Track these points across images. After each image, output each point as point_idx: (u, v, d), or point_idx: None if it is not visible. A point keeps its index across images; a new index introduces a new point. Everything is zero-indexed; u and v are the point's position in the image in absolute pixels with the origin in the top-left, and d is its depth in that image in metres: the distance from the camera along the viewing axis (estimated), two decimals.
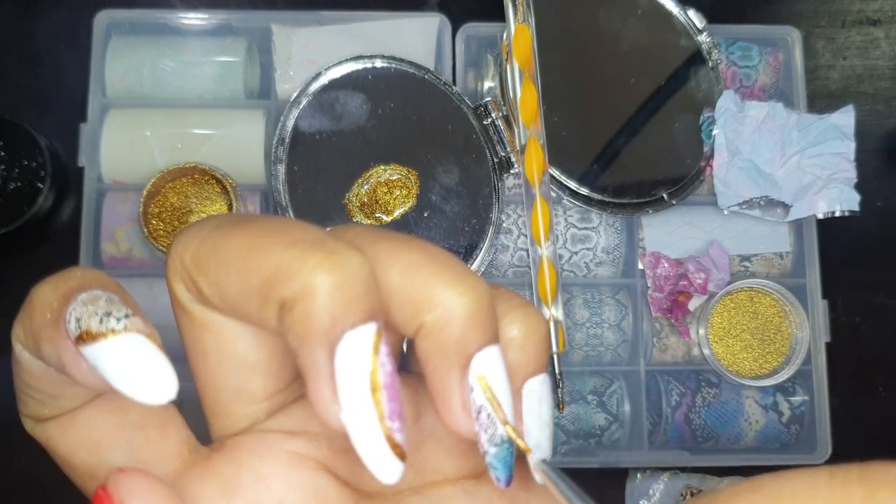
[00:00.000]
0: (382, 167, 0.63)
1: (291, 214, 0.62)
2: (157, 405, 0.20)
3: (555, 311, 0.62)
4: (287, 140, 0.62)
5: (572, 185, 0.66)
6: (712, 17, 0.69)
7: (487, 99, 0.65)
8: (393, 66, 0.65)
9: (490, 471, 0.22)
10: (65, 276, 0.21)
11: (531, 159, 0.63)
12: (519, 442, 0.22)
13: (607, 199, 0.66)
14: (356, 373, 0.19)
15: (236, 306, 0.21)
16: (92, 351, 0.20)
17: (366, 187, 0.63)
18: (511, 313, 0.23)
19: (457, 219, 0.64)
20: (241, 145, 0.66)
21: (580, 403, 0.66)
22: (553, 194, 0.65)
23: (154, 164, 0.65)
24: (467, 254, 0.63)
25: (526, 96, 0.63)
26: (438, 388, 0.21)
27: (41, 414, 0.23)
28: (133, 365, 0.20)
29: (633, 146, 0.68)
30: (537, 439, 0.23)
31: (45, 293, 0.21)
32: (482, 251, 0.64)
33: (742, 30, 0.71)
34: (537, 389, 0.23)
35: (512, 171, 0.65)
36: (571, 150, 0.66)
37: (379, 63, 0.64)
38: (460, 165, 0.64)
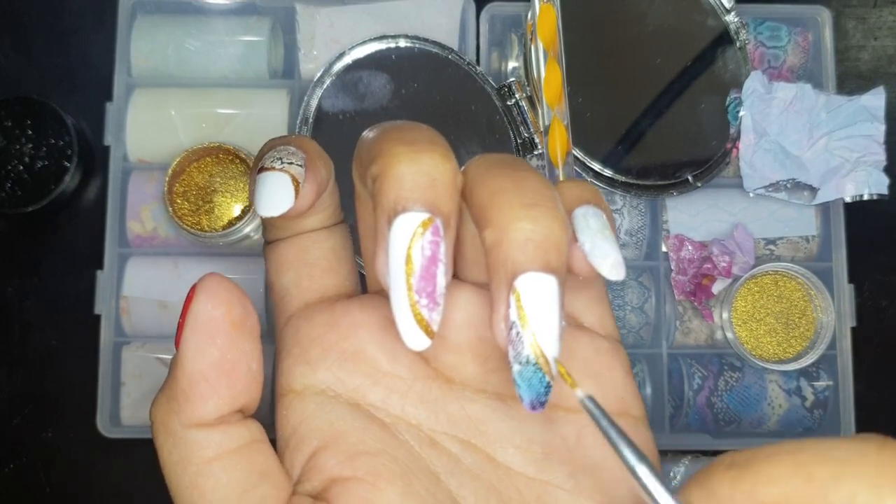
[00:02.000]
0: None
1: None
2: (269, 216, 0.26)
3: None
4: (310, 120, 0.62)
5: (596, 166, 0.65)
6: None
7: (511, 79, 0.65)
8: (416, 46, 0.64)
9: (515, 388, 0.23)
10: (300, 138, 0.29)
11: (555, 140, 0.63)
12: (549, 366, 0.23)
13: (631, 181, 0.66)
14: (399, 247, 0.23)
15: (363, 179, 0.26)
16: (258, 177, 0.27)
17: None
18: (564, 187, 0.27)
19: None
20: (264, 125, 0.66)
21: None
22: (577, 176, 0.65)
23: (179, 143, 0.65)
24: None
25: (550, 77, 0.62)
26: (491, 297, 0.24)
27: (268, 237, 0.30)
28: (266, 190, 0.26)
29: (658, 127, 0.67)
30: (591, 245, 0.25)
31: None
32: None
33: (771, 9, 0.70)
34: (582, 212, 0.26)
35: (535, 153, 0.65)
36: (596, 132, 0.66)
37: (402, 43, 0.64)
38: (483, 146, 0.64)
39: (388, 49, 0.64)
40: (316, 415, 0.26)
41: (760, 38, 0.69)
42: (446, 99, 0.64)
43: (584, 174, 0.66)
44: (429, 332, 0.23)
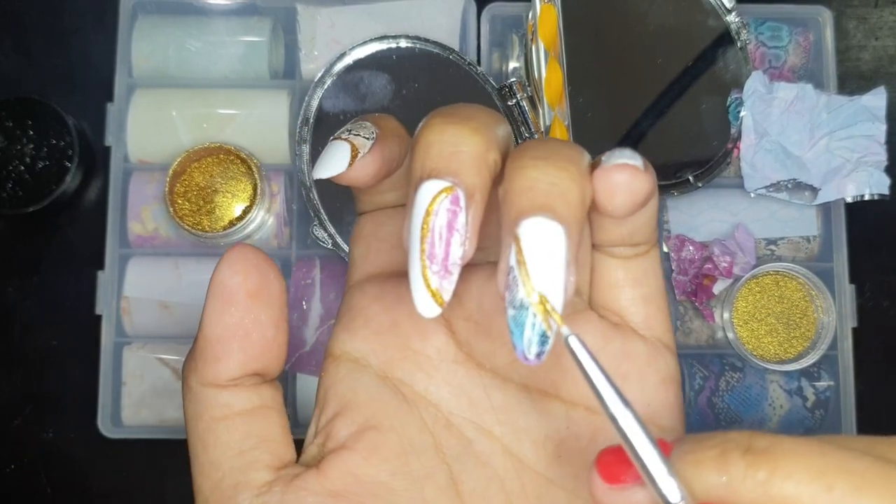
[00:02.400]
0: None
1: (315, 195, 0.62)
2: (317, 177, 0.26)
3: None
4: (311, 120, 0.62)
5: None
6: None
7: (512, 79, 0.65)
8: (417, 46, 0.64)
9: (509, 336, 0.23)
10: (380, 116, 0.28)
11: None
12: (544, 306, 0.22)
13: None
14: (418, 212, 0.23)
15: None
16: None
17: None
18: None
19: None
20: (265, 125, 0.66)
21: None
22: None
23: (179, 143, 0.65)
24: None
25: (551, 77, 0.62)
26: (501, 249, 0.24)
27: (357, 210, 0.31)
28: (325, 154, 0.26)
29: (659, 128, 0.67)
30: (609, 157, 0.25)
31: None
32: None
33: (772, 9, 0.70)
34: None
35: None
36: (596, 132, 0.66)
37: (403, 43, 0.64)
38: None
39: (389, 49, 0.64)
40: (344, 381, 0.27)
41: (761, 39, 0.69)
42: (447, 99, 0.64)
43: None
44: (438, 299, 0.23)
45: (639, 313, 0.27)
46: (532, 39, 0.62)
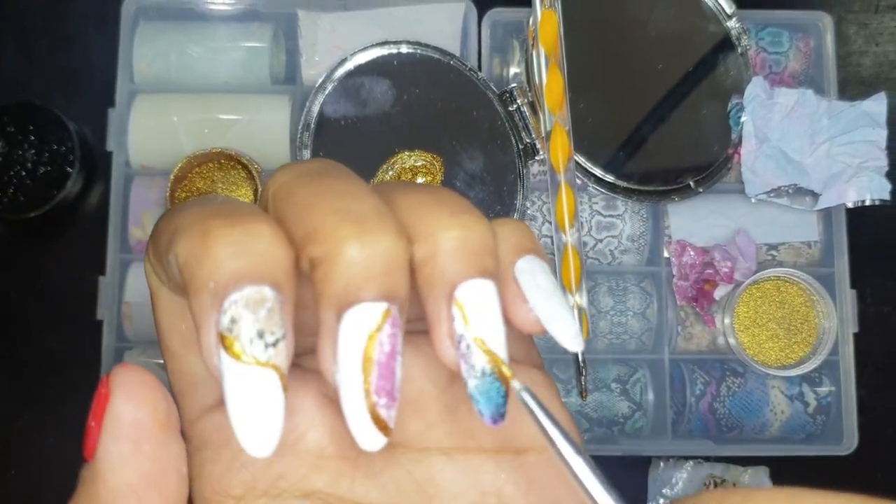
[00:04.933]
0: (407, 153, 0.63)
1: None
2: (254, 457, 0.20)
3: (579, 299, 0.62)
4: (312, 125, 0.62)
5: (598, 172, 0.65)
6: (742, 2, 0.68)
7: (513, 85, 0.65)
8: (418, 51, 0.64)
9: (473, 404, 0.22)
10: (251, 236, 0.21)
11: (556, 146, 0.63)
12: (502, 368, 0.22)
13: (633, 187, 0.66)
14: (353, 344, 0.20)
15: None
16: (226, 361, 0.20)
17: (390, 173, 0.63)
18: (497, 226, 0.24)
19: (481, 205, 0.63)
20: (266, 131, 0.66)
21: (604, 391, 0.66)
22: (578, 181, 0.65)
23: (181, 149, 0.65)
24: None
25: (552, 82, 0.62)
26: (428, 318, 0.22)
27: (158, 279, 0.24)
28: (250, 405, 0.20)
29: (660, 133, 0.67)
30: (547, 311, 0.23)
31: (222, 254, 0.20)
32: None
33: (772, 15, 0.70)
34: (527, 266, 0.23)
35: (537, 158, 0.65)
36: (597, 137, 0.66)
37: (404, 49, 0.64)
38: (485, 152, 0.64)
39: (390, 55, 0.64)
40: None
41: (762, 44, 0.69)
42: (448, 105, 0.64)
43: (585, 179, 0.66)
44: (386, 430, 0.21)
45: (521, 347, 0.27)
46: (533, 45, 0.63)
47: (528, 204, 0.66)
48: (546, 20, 0.62)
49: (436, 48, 0.65)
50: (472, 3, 0.68)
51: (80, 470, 0.24)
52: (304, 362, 0.24)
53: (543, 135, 0.63)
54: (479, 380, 0.22)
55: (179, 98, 0.66)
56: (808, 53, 0.69)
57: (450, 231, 0.22)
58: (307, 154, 0.62)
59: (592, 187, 0.66)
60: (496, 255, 0.23)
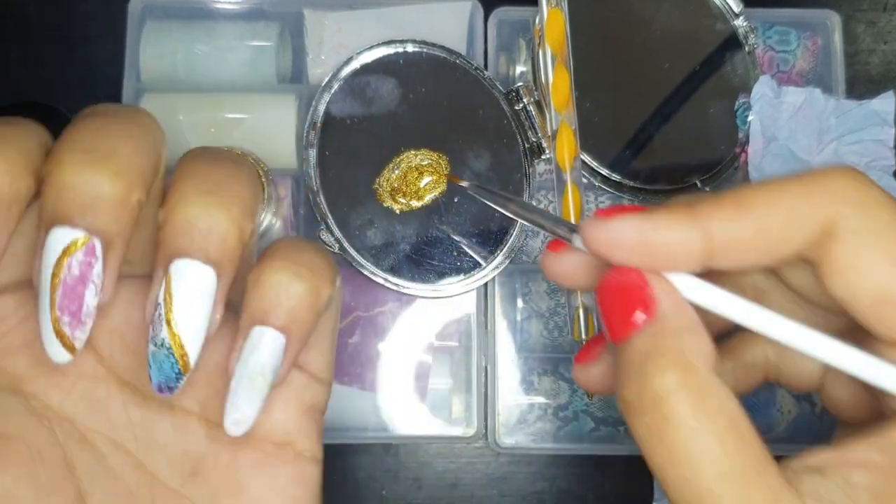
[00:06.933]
0: (413, 152, 0.63)
1: (322, 199, 0.62)
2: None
3: (584, 298, 0.62)
4: (318, 124, 0.62)
5: (604, 171, 0.65)
6: (749, 0, 0.68)
7: (519, 84, 0.65)
8: (424, 50, 0.64)
9: (147, 367, 0.24)
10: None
11: (563, 145, 0.63)
12: (182, 350, 0.23)
13: (639, 186, 0.66)
14: (47, 262, 0.22)
15: None
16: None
17: (396, 172, 0.63)
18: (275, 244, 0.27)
19: (487, 205, 0.63)
20: (273, 129, 0.66)
21: None
22: (584, 180, 0.65)
23: (187, 147, 0.65)
24: (497, 239, 0.63)
25: (558, 81, 0.62)
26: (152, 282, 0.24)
27: None
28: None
29: (667, 132, 0.67)
30: (234, 391, 0.25)
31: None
32: (512, 236, 0.63)
33: (780, 13, 0.70)
34: (257, 333, 0.25)
35: (543, 157, 0.65)
36: (603, 136, 0.66)
37: (410, 48, 0.64)
38: (491, 151, 0.64)
39: (396, 54, 0.64)
40: None
41: (769, 43, 0.69)
42: (454, 103, 0.64)
43: (591, 178, 0.66)
44: (70, 348, 0.23)
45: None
46: (539, 44, 0.62)
47: (534, 203, 0.66)
48: (552, 19, 0.62)
49: (442, 47, 0.65)
50: (478, 1, 0.68)
51: None
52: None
53: (550, 134, 0.63)
54: (157, 349, 0.23)
55: (186, 97, 0.67)
56: (815, 52, 0.69)
57: (187, 206, 0.23)
58: (313, 153, 0.62)
59: (599, 186, 0.66)
60: (238, 252, 0.24)
